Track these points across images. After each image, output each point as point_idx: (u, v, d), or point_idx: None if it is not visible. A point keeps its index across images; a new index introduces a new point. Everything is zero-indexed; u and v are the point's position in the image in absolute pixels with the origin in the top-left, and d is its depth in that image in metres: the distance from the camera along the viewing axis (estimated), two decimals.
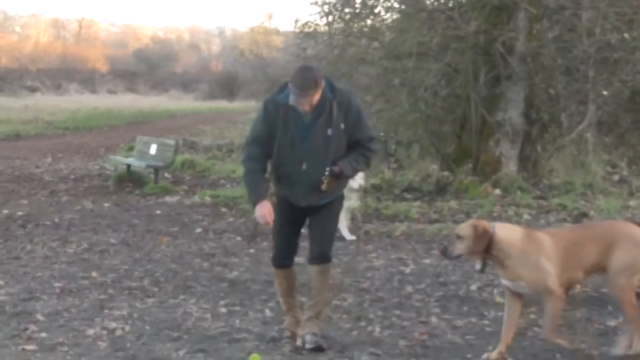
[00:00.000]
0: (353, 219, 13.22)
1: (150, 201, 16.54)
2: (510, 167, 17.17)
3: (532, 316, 8.08)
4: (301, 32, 23.56)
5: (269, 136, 6.94)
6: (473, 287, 9.34)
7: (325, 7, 21.13)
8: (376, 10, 20.66)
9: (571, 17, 17.61)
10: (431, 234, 12.81)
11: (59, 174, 21.12)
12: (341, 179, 7.07)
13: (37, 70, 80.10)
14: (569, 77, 17.87)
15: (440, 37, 17.72)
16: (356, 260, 11.07)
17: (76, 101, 61.32)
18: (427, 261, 10.96)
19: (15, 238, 12.58)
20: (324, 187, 6.94)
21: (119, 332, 7.73)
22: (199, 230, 13.43)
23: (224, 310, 8.47)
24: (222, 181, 19.55)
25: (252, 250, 11.55)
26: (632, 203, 15.19)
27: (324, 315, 7.43)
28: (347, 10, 20.63)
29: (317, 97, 6.79)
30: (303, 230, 7.36)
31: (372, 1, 20.27)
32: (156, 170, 18.84)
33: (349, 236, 12.47)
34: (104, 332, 7.74)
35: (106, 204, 16.06)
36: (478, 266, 6.96)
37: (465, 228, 6.78)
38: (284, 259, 7.28)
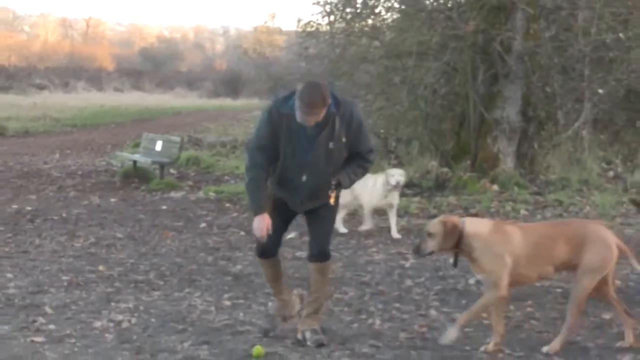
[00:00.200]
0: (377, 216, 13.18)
1: (155, 196, 16.54)
2: (508, 163, 17.18)
3: (528, 309, 8.08)
4: (303, 31, 23.57)
5: (273, 144, 6.85)
6: (471, 281, 9.33)
7: (327, 7, 21.15)
8: (377, 10, 20.68)
9: (567, 17, 17.63)
10: None
11: (67, 170, 21.13)
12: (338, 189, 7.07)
13: (46, 68, 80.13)
14: (565, 75, 17.89)
15: (439, 36, 17.74)
16: (357, 255, 11.08)
17: (83, 99, 61.32)
18: None
19: (24, 232, 12.58)
20: (331, 201, 6.96)
21: (125, 325, 7.73)
22: (203, 225, 13.43)
23: (228, 303, 8.46)
24: (226, 177, 19.55)
25: (255, 245, 11.53)
26: (626, 199, 15.18)
27: (323, 309, 7.42)
28: (348, 10, 20.64)
29: (323, 113, 6.70)
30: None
31: (373, 1, 20.28)
32: (162, 166, 18.84)
33: (342, 229, 12.55)
34: (111, 324, 7.74)
35: (113, 199, 16.06)
36: (451, 260, 6.95)
37: (435, 225, 6.75)
38: (269, 250, 7.19)
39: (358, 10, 20.46)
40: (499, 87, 17.29)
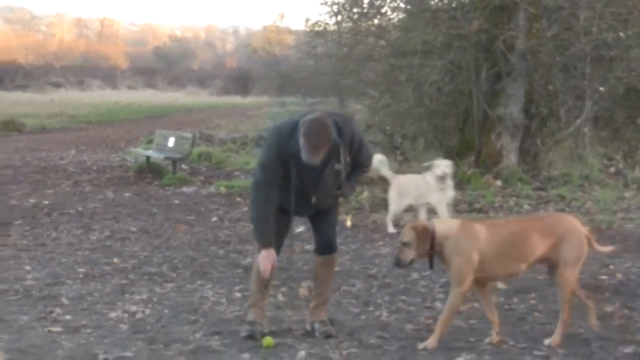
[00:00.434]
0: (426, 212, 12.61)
1: (168, 191, 16.54)
2: (511, 159, 17.14)
3: (532, 302, 8.06)
4: (311, 30, 23.58)
5: (280, 179, 6.73)
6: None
7: (335, 7, 21.14)
8: (383, 10, 20.63)
9: (569, 17, 17.57)
10: None
11: (83, 165, 21.15)
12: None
13: (62, 67, 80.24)
14: (566, 74, 17.84)
15: (443, 35, 17.69)
16: (364, 248, 11.06)
17: (98, 96, 61.47)
18: None
19: (41, 226, 12.59)
20: (348, 224, 6.99)
21: (139, 315, 7.73)
22: (214, 218, 13.43)
23: (238, 295, 8.45)
24: (236, 172, 19.53)
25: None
26: (627, 194, 15.15)
27: (328, 300, 7.40)
28: (355, 10, 20.61)
29: (328, 149, 6.58)
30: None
31: (379, 1, 20.25)
32: (174, 161, 18.85)
33: (391, 229, 12.18)
34: (125, 315, 7.74)
35: (127, 194, 16.07)
36: (427, 263, 6.89)
37: (407, 233, 6.65)
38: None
39: (365, 10, 20.43)
40: (502, 84, 17.26)
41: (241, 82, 74.51)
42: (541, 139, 17.83)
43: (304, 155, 6.51)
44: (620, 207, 14.14)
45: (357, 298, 8.43)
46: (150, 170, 18.78)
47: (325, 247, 7.08)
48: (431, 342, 6.68)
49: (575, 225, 6.83)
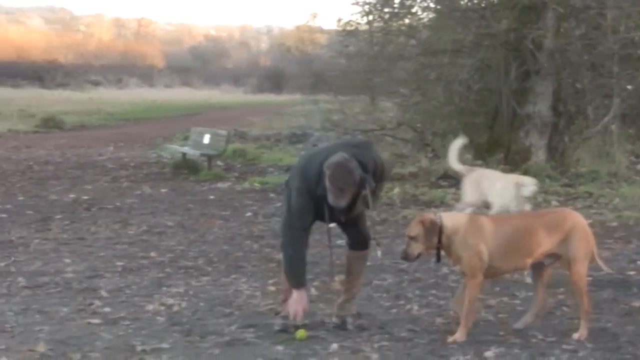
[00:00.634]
0: None
1: (204, 187, 16.58)
2: (539, 156, 17.06)
3: (560, 296, 8.00)
4: (343, 30, 23.59)
5: (312, 219, 6.74)
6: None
7: (366, 7, 21.14)
8: (413, 10, 20.60)
9: (596, 16, 17.43)
10: None
11: (120, 161, 21.24)
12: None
13: (100, 65, 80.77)
14: (594, 72, 17.71)
15: (473, 34, 17.63)
16: (395, 243, 11.01)
17: (136, 94, 61.77)
18: None
19: (80, 220, 12.66)
20: (379, 254, 7.00)
21: (175, 308, 7.75)
22: (249, 214, 13.44)
23: (272, 288, 8.45)
24: (270, 169, 19.55)
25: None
26: None
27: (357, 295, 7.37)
28: (386, 10, 20.59)
29: (355, 190, 6.54)
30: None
31: (410, 1, 20.22)
32: (209, 158, 18.90)
33: None
34: (162, 307, 7.76)
35: (163, 190, 16.12)
36: (434, 257, 6.86)
37: (414, 227, 6.65)
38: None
39: (395, 10, 20.40)
40: (531, 83, 17.17)
41: (275, 80, 74.64)
42: (569, 136, 17.73)
43: (331, 199, 6.49)
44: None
45: (388, 292, 8.41)
46: (186, 167, 18.83)
47: (359, 242, 7.07)
48: (459, 335, 6.66)
49: (580, 221, 6.81)
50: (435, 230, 6.59)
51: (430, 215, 6.79)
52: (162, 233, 11.68)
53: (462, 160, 11.53)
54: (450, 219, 6.71)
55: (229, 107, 52.50)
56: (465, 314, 6.71)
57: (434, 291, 8.39)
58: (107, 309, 7.68)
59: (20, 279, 8.87)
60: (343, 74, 23.71)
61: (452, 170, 11.97)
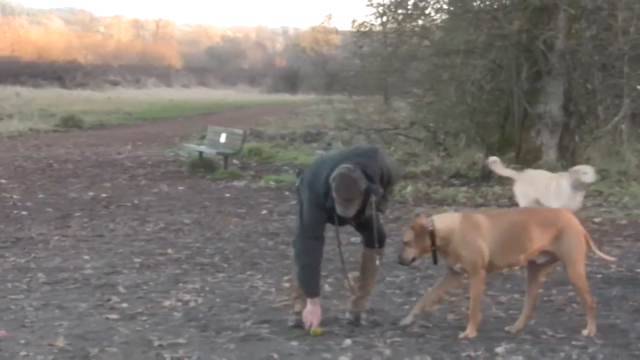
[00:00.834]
0: None
1: (220, 185, 16.60)
2: (550, 155, 17.02)
3: (570, 293, 7.98)
4: (358, 31, 23.61)
5: (324, 228, 6.80)
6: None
7: (380, 9, 21.17)
8: (427, 11, 20.60)
9: (607, 17, 17.39)
10: None
11: (138, 160, 21.29)
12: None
13: (119, 66, 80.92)
14: (605, 72, 17.67)
15: (485, 35, 17.63)
16: None
17: (153, 94, 61.89)
18: None
19: (99, 218, 12.69)
20: (378, 263, 7.05)
21: (192, 304, 7.77)
22: (264, 211, 13.45)
23: (287, 285, 8.43)
24: (285, 167, 19.56)
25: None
26: None
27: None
28: (400, 11, 20.58)
29: (361, 200, 6.57)
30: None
31: (423, 3, 20.21)
32: (225, 157, 18.93)
33: None
34: (179, 303, 7.78)
35: (180, 188, 16.15)
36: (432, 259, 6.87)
37: (407, 233, 6.71)
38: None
39: (409, 12, 20.38)
40: (542, 83, 17.14)
41: (290, 80, 74.66)
42: (579, 135, 17.69)
43: (339, 210, 6.54)
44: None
45: (401, 289, 8.41)
46: (202, 165, 18.85)
47: (374, 240, 7.05)
48: (470, 331, 6.67)
49: (573, 220, 6.80)
50: (425, 234, 6.63)
51: (422, 219, 6.81)
52: (179, 230, 11.71)
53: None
54: (442, 221, 6.73)
55: (245, 107, 52.55)
56: (471, 310, 6.74)
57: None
58: (124, 305, 7.70)
59: (40, 275, 8.91)
60: (357, 74, 23.70)
61: (503, 177, 11.70)
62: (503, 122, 18.34)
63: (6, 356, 6.22)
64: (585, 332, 6.71)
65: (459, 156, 18.43)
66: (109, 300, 7.88)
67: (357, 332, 6.83)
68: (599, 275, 8.92)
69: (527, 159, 16.85)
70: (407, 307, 7.65)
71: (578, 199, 10.54)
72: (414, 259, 6.77)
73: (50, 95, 50.31)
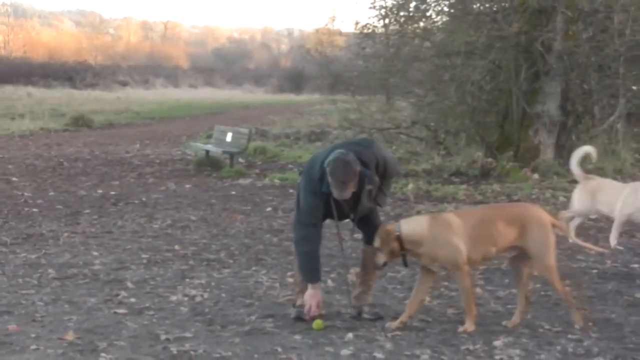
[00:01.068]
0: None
1: (226, 183, 16.60)
2: (548, 154, 17.04)
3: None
4: (361, 33, 23.63)
5: (321, 216, 6.82)
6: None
7: (383, 11, 21.24)
8: (428, 14, 20.63)
9: (604, 20, 17.41)
10: None
11: (146, 158, 21.29)
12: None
13: (128, 67, 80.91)
14: (601, 73, 17.70)
15: (485, 37, 17.63)
16: None
17: (161, 94, 61.85)
18: None
19: (108, 215, 12.70)
20: (350, 278, 7.08)
21: (198, 299, 7.77)
22: (269, 209, 13.45)
23: (291, 280, 8.44)
24: (290, 165, 19.56)
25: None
26: None
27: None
28: (402, 13, 20.59)
29: (356, 182, 6.61)
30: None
31: (425, 5, 20.21)
32: (231, 155, 18.93)
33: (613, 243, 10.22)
34: (185, 298, 7.79)
35: (187, 185, 16.15)
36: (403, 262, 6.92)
37: (375, 239, 6.73)
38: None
39: (411, 14, 20.40)
40: (540, 83, 17.16)
41: (295, 80, 74.60)
42: (576, 134, 17.69)
43: (335, 193, 6.58)
44: None
45: (402, 284, 8.42)
46: (209, 164, 18.86)
47: (374, 237, 7.07)
48: (468, 325, 6.70)
49: (538, 214, 6.83)
50: (391, 238, 6.66)
51: (388, 225, 6.83)
52: (186, 227, 11.71)
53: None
54: (409, 225, 6.76)
55: (250, 107, 52.53)
56: (466, 305, 6.77)
57: (445, 283, 8.36)
58: (132, 300, 7.71)
59: (50, 270, 8.93)
60: (360, 74, 23.73)
61: (571, 173, 11.25)
62: (502, 122, 18.33)
63: (17, 350, 6.24)
64: (577, 325, 6.73)
65: (459, 155, 18.43)
66: (117, 295, 7.89)
67: (359, 326, 6.84)
68: (595, 271, 8.93)
69: (525, 158, 16.88)
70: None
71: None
72: (385, 264, 6.82)
73: (61, 95, 50.30)
